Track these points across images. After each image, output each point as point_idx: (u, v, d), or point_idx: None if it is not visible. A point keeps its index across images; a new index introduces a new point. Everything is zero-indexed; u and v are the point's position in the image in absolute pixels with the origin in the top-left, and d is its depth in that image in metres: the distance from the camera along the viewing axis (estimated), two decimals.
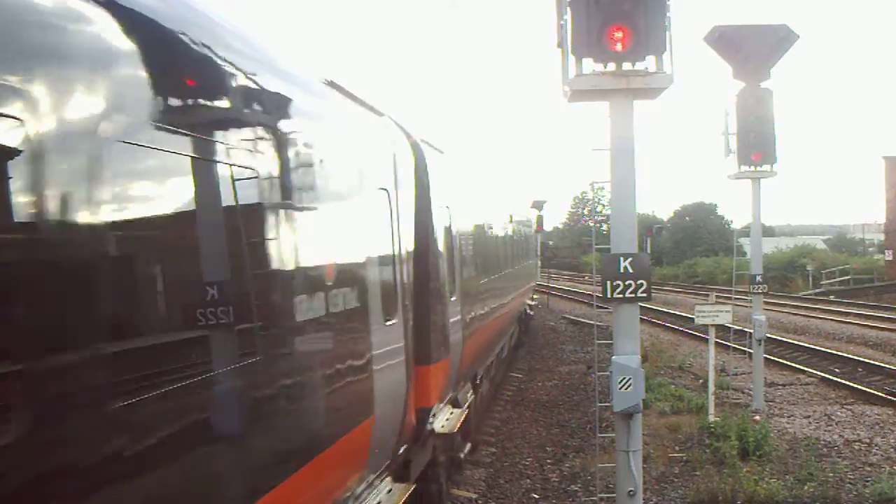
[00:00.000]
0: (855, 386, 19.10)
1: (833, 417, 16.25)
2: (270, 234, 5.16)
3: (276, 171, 5.27)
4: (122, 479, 3.59)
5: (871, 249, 72.99)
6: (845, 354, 23.57)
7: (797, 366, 22.18)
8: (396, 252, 8.32)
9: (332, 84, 7.18)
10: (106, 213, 3.55)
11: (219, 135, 4.60)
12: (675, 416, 16.25)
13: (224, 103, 4.85)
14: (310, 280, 5.81)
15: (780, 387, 19.58)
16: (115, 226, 3.63)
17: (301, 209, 5.68)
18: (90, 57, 3.58)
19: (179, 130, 4.18)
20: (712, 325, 15.15)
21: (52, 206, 3.23)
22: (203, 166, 4.43)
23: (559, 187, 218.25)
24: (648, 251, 47.95)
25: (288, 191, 5.49)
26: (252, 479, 4.87)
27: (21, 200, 3.10)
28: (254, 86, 5.27)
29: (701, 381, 19.24)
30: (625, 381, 7.86)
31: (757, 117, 15.97)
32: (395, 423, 8.00)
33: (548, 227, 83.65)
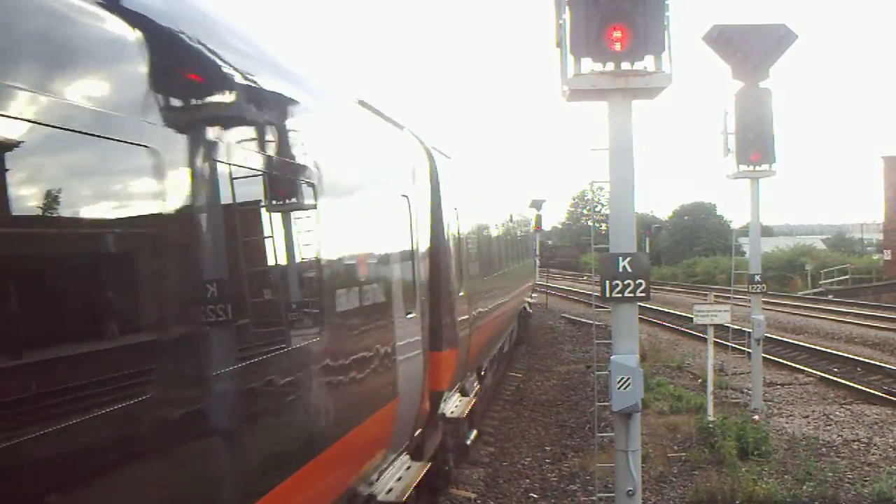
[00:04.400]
0: (854, 385, 19.10)
1: (832, 417, 16.24)
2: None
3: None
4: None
5: (869, 249, 73.00)
6: (844, 354, 23.56)
7: (796, 365, 22.17)
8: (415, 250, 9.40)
9: (363, 104, 8.28)
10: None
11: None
12: (674, 415, 16.24)
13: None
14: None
15: (778, 386, 19.57)
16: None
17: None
18: None
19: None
20: (711, 325, 15.13)
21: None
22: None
23: (558, 186, 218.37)
24: (647, 251, 47.96)
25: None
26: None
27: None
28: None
29: (700, 380, 19.24)
30: (623, 380, 7.84)
31: (756, 117, 15.96)
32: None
33: (547, 226, 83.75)
